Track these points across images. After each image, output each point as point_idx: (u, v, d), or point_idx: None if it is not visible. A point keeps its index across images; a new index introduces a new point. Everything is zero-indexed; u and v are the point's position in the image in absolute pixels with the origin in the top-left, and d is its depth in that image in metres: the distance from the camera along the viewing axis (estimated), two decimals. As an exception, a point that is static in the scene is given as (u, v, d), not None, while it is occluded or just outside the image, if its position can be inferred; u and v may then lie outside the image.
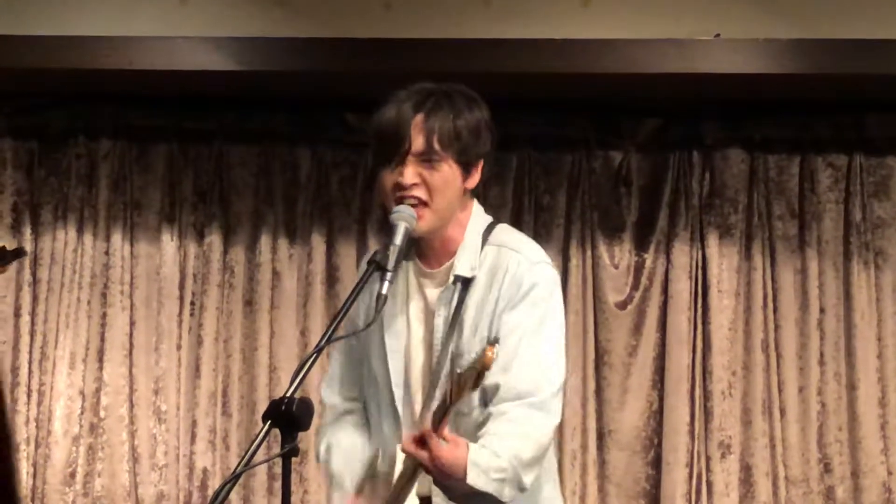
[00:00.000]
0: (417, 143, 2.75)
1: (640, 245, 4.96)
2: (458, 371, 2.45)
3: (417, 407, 2.83)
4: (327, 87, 4.77)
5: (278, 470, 2.41)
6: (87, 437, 4.96)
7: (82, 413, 4.96)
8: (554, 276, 2.85)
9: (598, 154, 4.99)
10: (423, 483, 2.70)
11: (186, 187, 5.08)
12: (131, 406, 4.98)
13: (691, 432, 4.81)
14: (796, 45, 4.41)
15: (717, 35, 4.41)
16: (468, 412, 2.79)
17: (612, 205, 4.97)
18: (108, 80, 4.71)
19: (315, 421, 2.41)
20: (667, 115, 4.94)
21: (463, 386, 2.45)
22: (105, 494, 4.92)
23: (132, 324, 5.02)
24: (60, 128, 5.06)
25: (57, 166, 5.08)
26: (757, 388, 4.83)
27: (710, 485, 4.80)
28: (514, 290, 2.77)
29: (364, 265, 2.88)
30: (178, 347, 5.02)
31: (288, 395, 2.31)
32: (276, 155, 5.05)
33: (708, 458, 4.81)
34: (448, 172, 2.77)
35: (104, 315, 5.01)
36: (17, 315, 5.00)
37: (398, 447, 2.73)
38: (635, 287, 4.94)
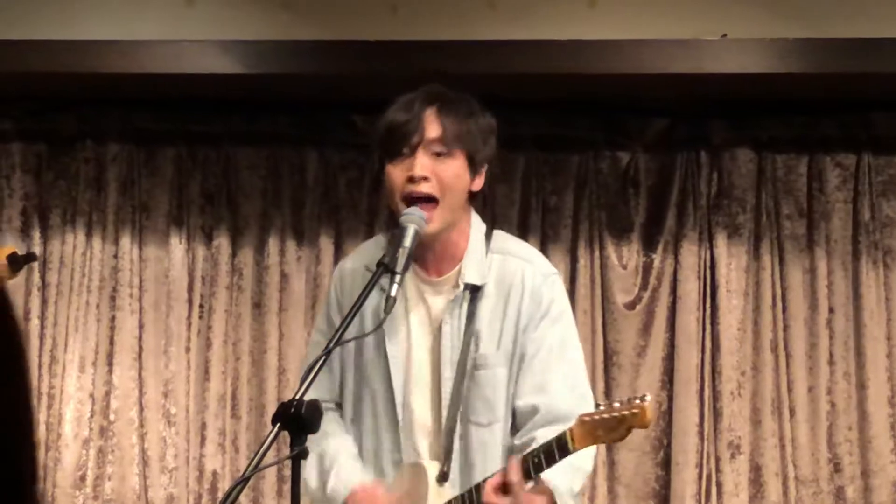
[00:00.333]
0: (430, 131, 2.75)
1: (649, 245, 4.95)
2: (587, 419, 2.46)
3: (418, 414, 2.82)
4: (334, 90, 4.77)
5: (288, 472, 2.41)
6: (97, 440, 4.96)
7: (92, 416, 4.97)
8: (563, 286, 2.88)
9: (605, 154, 4.99)
10: None
11: (194, 190, 5.08)
12: (141, 409, 4.99)
13: (701, 433, 4.80)
14: (803, 45, 4.40)
15: (724, 35, 4.41)
16: (486, 424, 2.79)
17: (620, 205, 4.97)
18: (115, 84, 4.72)
19: None
20: (674, 115, 4.93)
21: (596, 436, 2.45)
22: (115, 497, 4.93)
23: (141, 327, 5.02)
24: (68, 131, 5.07)
25: (65, 170, 5.09)
26: (766, 388, 4.82)
27: (719, 485, 4.79)
28: (535, 308, 2.78)
29: (338, 273, 2.90)
30: (187, 350, 5.02)
31: (297, 397, 2.31)
32: (284, 157, 5.06)
33: (717, 459, 4.80)
34: (458, 167, 2.77)
35: (113, 318, 5.02)
36: (26, 319, 5.01)
37: (399, 456, 2.74)
38: (644, 287, 4.93)
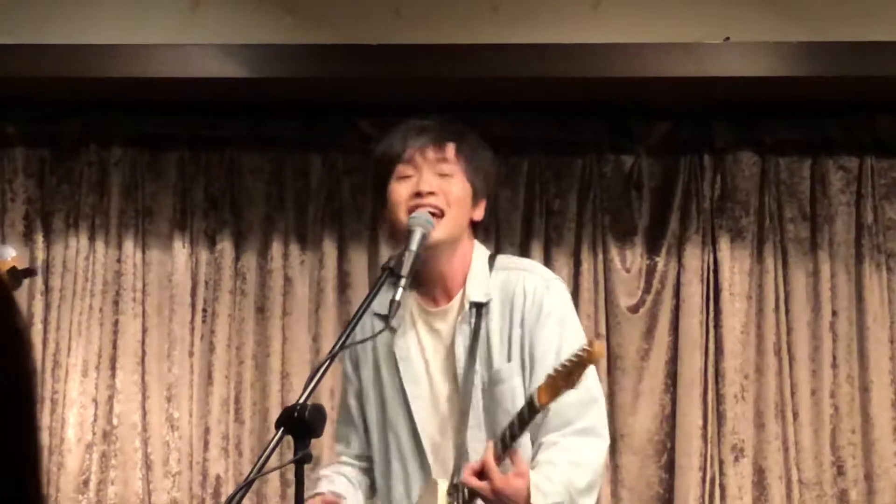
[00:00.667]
0: (437, 152, 2.77)
1: (652, 248, 4.95)
2: (550, 373, 2.46)
3: (445, 449, 2.82)
4: (338, 94, 4.77)
5: (291, 476, 2.41)
6: (101, 444, 4.96)
7: (95, 421, 4.97)
8: (566, 291, 2.88)
9: (608, 158, 4.99)
10: None
11: (198, 194, 5.08)
12: (144, 413, 4.99)
13: (704, 436, 4.80)
14: (807, 48, 4.40)
15: (728, 38, 4.41)
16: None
17: (624, 208, 4.97)
18: (119, 88, 4.72)
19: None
20: (677, 118, 4.93)
21: (557, 387, 2.45)
22: (118, 502, 4.93)
23: (144, 331, 5.02)
24: (72, 136, 5.07)
25: (69, 174, 5.09)
26: (769, 391, 4.82)
27: (723, 488, 4.79)
28: (537, 311, 2.78)
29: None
30: (191, 354, 5.02)
31: (301, 401, 2.31)
32: (288, 161, 5.06)
33: (721, 462, 4.80)
34: (463, 187, 2.79)
35: (116, 322, 5.02)
36: (29, 323, 5.01)
37: (437, 487, 2.74)
38: (647, 291, 4.93)
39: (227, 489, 4.89)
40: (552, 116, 4.93)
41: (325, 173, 5.04)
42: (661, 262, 4.92)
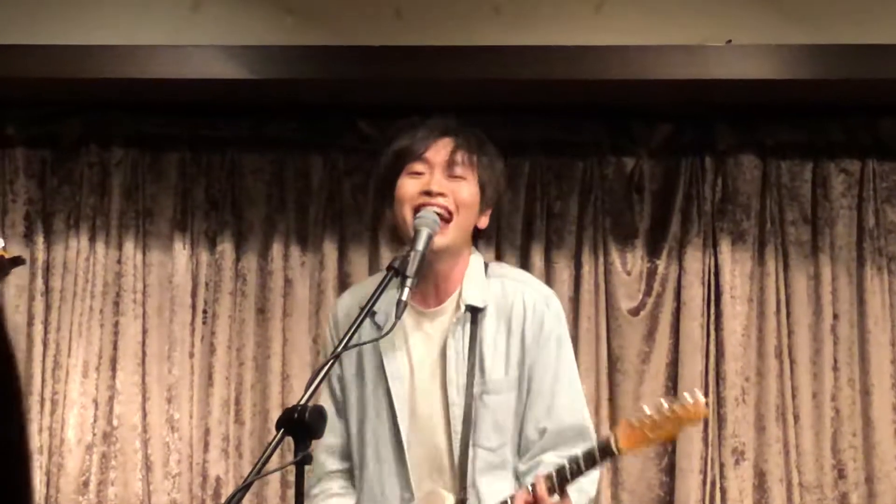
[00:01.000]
0: (449, 154, 2.77)
1: (653, 251, 4.95)
2: (633, 420, 2.47)
3: (426, 447, 2.80)
4: (339, 95, 4.77)
5: (291, 478, 2.41)
6: (101, 445, 4.96)
7: (95, 421, 4.96)
8: (560, 305, 2.91)
9: (610, 160, 4.99)
10: None
11: (198, 195, 5.08)
12: (144, 414, 4.98)
13: (705, 439, 4.80)
14: (808, 51, 4.40)
15: (729, 41, 4.41)
16: (496, 447, 2.79)
17: (625, 211, 4.97)
18: (120, 89, 4.72)
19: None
20: (679, 120, 4.93)
21: (643, 438, 2.47)
22: (118, 503, 4.92)
23: (145, 332, 5.02)
24: (72, 136, 5.07)
25: (69, 175, 5.09)
26: (770, 394, 4.81)
27: (723, 491, 4.79)
28: (538, 330, 2.79)
29: (332, 315, 2.90)
30: (191, 355, 5.02)
31: (301, 403, 2.31)
32: (288, 162, 5.06)
33: (722, 465, 4.80)
34: (473, 192, 2.79)
35: (117, 323, 5.02)
36: (29, 324, 5.00)
37: (410, 494, 2.74)
38: (648, 293, 4.93)
39: (227, 490, 4.89)
40: (553, 118, 4.93)
41: (325, 174, 5.04)
42: (661, 264, 4.92)
